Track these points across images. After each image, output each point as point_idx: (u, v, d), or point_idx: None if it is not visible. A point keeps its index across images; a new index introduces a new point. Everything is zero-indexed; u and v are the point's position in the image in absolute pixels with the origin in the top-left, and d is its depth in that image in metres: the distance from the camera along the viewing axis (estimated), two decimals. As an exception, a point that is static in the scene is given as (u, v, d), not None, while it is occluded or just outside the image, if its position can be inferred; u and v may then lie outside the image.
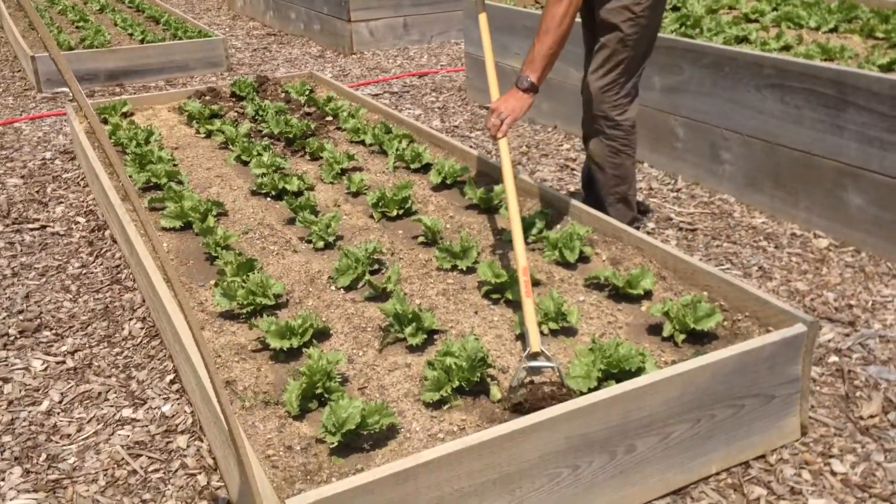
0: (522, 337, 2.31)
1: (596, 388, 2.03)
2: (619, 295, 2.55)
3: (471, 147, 4.24)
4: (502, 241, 2.94)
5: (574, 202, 3.10)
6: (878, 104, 3.12)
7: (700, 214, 3.73)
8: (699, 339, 2.30)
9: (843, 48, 4.02)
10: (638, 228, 3.25)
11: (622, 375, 2.07)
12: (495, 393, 2.11)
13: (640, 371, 2.08)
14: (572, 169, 4.31)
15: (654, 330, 2.37)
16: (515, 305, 2.49)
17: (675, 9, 5.48)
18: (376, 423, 1.93)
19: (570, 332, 2.37)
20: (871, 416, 2.35)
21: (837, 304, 2.93)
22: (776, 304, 2.28)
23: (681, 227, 3.60)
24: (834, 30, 4.69)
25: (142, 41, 6.98)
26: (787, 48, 4.23)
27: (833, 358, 2.63)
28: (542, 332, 2.33)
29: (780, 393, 2.17)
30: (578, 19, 2.92)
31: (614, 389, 1.96)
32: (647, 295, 2.55)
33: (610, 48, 2.99)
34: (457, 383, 2.08)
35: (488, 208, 3.20)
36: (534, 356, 2.15)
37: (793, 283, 3.09)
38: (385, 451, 1.93)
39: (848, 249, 3.31)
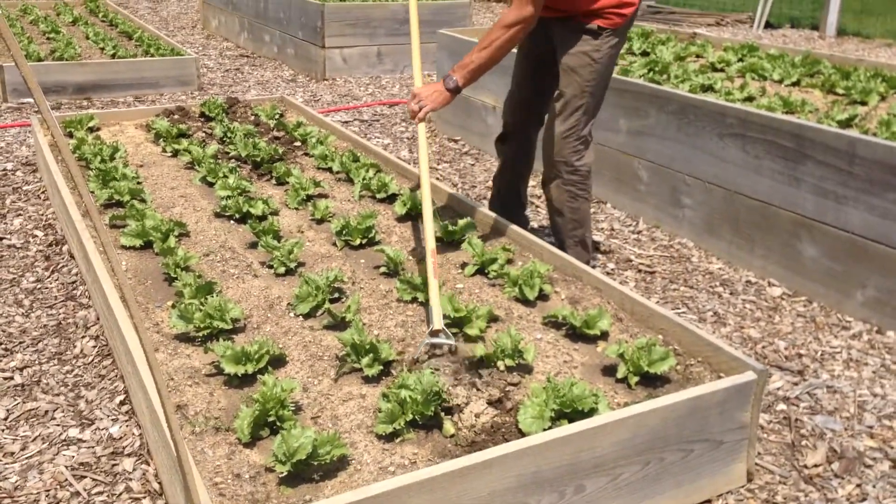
0: (482, 365, 2.32)
1: (549, 428, 2.05)
2: (576, 334, 2.58)
3: (437, 179, 4.27)
4: (464, 275, 2.96)
5: (536, 239, 3.13)
6: (836, 159, 3.21)
7: (659, 257, 3.79)
8: (652, 382, 2.33)
9: (805, 102, 4.13)
10: (594, 268, 3.28)
11: (575, 415, 2.09)
12: (448, 428, 2.12)
13: (592, 412, 2.10)
14: (536, 206, 4.36)
15: (609, 371, 2.40)
16: (475, 340, 2.50)
17: (644, 54, 5.59)
18: (328, 453, 1.92)
19: (525, 369, 2.38)
20: (816, 466, 2.39)
21: (788, 353, 2.99)
22: (728, 351, 2.32)
23: (640, 269, 3.65)
24: (796, 83, 4.82)
25: (113, 56, 6.94)
26: (750, 99, 4.34)
27: (781, 406, 2.67)
28: (497, 368, 2.34)
29: (729, 439, 2.20)
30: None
31: (567, 429, 1.98)
32: (604, 336, 2.58)
33: (569, 94, 3.05)
34: (410, 416, 2.08)
35: (451, 242, 3.22)
36: (435, 333, 2.39)
37: (746, 329, 3.15)
38: (335, 482, 1.92)
39: (800, 299, 3.38)
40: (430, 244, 2.58)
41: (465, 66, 2.91)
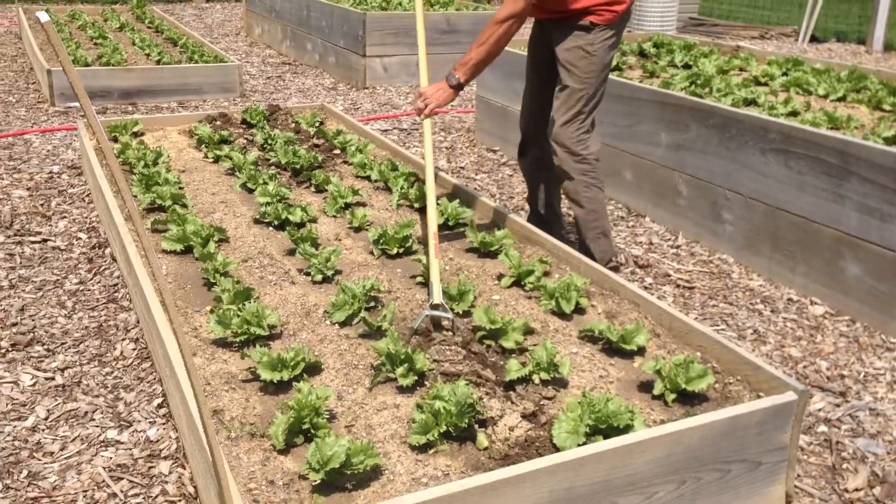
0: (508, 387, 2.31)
1: (583, 444, 2.03)
2: (613, 349, 2.55)
3: (475, 189, 4.27)
4: (500, 287, 2.95)
5: (573, 252, 3.11)
6: (881, 176, 3.15)
7: (698, 273, 3.74)
8: (689, 400, 2.30)
9: (850, 118, 4.07)
10: (632, 281, 3.32)
11: (610, 431, 2.07)
12: (482, 440, 2.11)
13: (628, 428, 2.08)
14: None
15: (645, 387, 2.37)
16: (508, 352, 2.49)
17: (686, 66, 5.54)
18: (361, 462, 1.93)
19: (561, 383, 2.37)
20: (857, 490, 2.33)
21: (830, 374, 2.93)
22: (768, 371, 2.28)
23: (678, 285, 3.61)
24: (842, 99, 4.75)
25: (158, 62, 7.06)
26: (794, 114, 4.28)
27: (822, 428, 2.62)
28: (533, 382, 2.33)
29: (768, 460, 2.17)
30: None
31: (601, 445, 1.96)
32: (641, 351, 2.55)
33: (569, 87, 3.21)
34: (444, 428, 2.07)
35: (488, 253, 3.21)
36: (435, 307, 2.58)
37: (787, 348, 3.10)
38: (367, 492, 1.92)
39: (843, 318, 3.32)
40: (433, 228, 2.83)
41: (465, 64, 3.11)
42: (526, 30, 3.55)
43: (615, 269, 3.42)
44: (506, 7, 3.00)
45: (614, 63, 5.41)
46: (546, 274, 3.04)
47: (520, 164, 3.74)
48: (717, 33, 10.78)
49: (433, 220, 2.87)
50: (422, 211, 3.66)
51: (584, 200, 3.32)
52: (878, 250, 3.19)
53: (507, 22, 3.00)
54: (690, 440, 2.03)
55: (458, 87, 3.13)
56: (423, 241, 3.17)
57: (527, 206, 3.95)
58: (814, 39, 10.79)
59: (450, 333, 2.54)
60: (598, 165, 3.33)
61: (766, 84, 5.11)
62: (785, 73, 5.31)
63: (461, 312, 2.70)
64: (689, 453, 2.03)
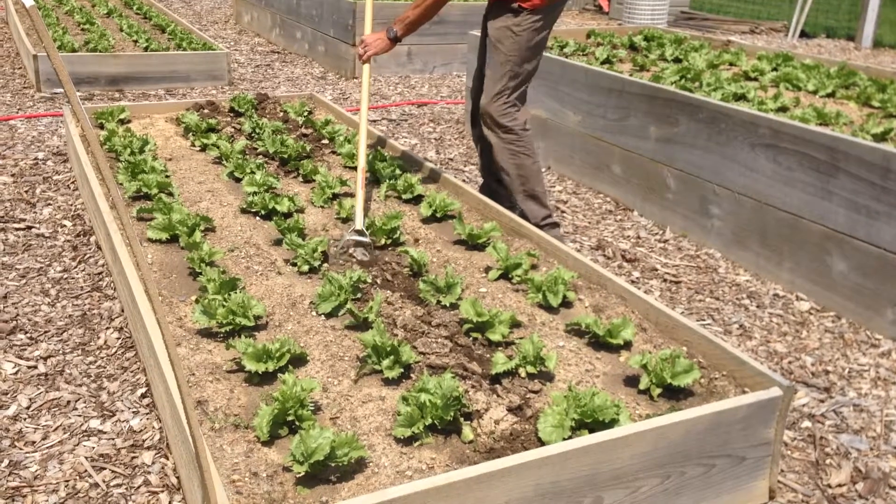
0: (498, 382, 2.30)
1: (569, 438, 2.03)
2: (599, 343, 2.55)
3: (464, 181, 4.25)
4: (487, 280, 2.95)
5: (561, 245, 3.11)
6: (869, 173, 3.16)
7: (685, 267, 3.75)
8: (675, 395, 2.30)
9: (839, 114, 4.07)
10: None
11: (596, 426, 2.07)
12: (467, 433, 2.10)
13: (613, 423, 2.08)
14: (562, 211, 4.33)
15: (631, 381, 2.37)
16: (495, 345, 2.49)
17: (676, 60, 5.54)
18: (345, 455, 1.92)
19: (547, 377, 2.36)
20: (840, 485, 2.34)
21: (814, 369, 2.94)
22: (754, 366, 2.28)
23: (665, 279, 3.62)
24: (831, 95, 4.76)
25: (146, 49, 7.00)
26: (783, 109, 4.28)
27: (806, 423, 2.63)
28: (519, 375, 2.33)
29: (752, 455, 2.17)
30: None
31: (587, 440, 1.95)
32: (627, 345, 2.55)
33: (495, 62, 3.45)
34: (429, 420, 2.07)
35: (475, 245, 3.20)
36: (358, 232, 3.02)
37: (772, 343, 3.10)
38: (352, 484, 1.91)
39: (829, 314, 3.33)
40: (361, 163, 3.26)
41: (403, 20, 3.49)
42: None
43: (554, 227, 3.64)
44: None
45: (604, 56, 5.40)
46: (533, 267, 3.03)
47: (472, 134, 3.91)
48: (707, 27, 10.78)
49: (362, 157, 3.28)
50: (410, 202, 3.65)
51: (509, 167, 3.55)
52: (864, 247, 3.20)
53: None
54: (675, 435, 2.03)
55: (394, 40, 3.50)
56: (445, 260, 3.26)
57: (479, 179, 4.15)
58: (803, 35, 10.81)
59: (365, 258, 2.96)
60: (526, 135, 3.54)
61: (755, 79, 5.12)
62: (775, 69, 5.31)
63: (448, 305, 2.70)
64: (674, 448, 2.03)
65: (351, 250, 3.02)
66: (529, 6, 3.36)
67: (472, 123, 3.84)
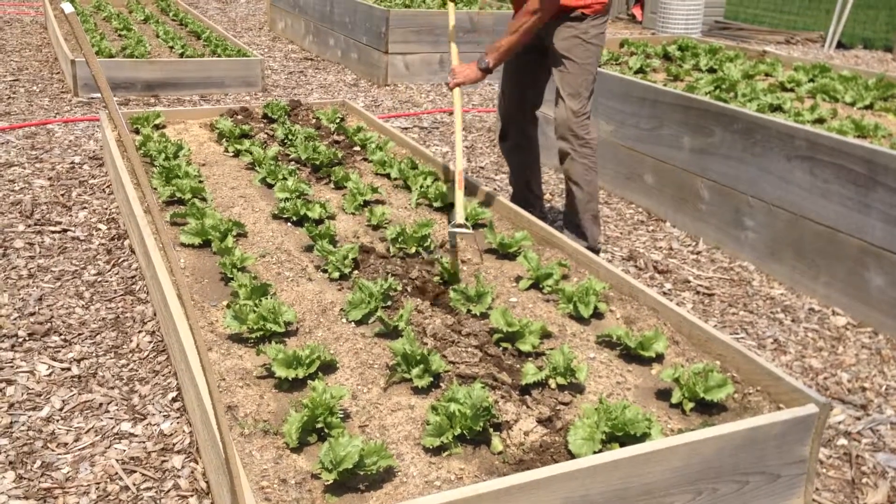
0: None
1: (599, 451, 2.00)
2: (631, 355, 2.53)
3: (495, 190, 4.24)
4: (518, 289, 2.93)
5: (593, 256, 3.08)
6: (908, 187, 3.10)
7: (719, 280, 3.70)
8: (708, 409, 2.27)
9: (878, 126, 4.01)
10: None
11: (626, 439, 2.04)
12: (497, 444, 2.09)
13: (645, 437, 2.05)
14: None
15: (663, 395, 2.34)
16: (525, 356, 2.47)
17: (711, 70, 5.49)
18: (374, 463, 1.91)
19: (577, 388, 2.34)
20: (878, 505, 2.30)
21: (851, 386, 2.89)
22: (789, 382, 2.24)
23: (698, 291, 3.57)
24: (869, 107, 4.68)
25: (181, 55, 7.08)
26: (820, 121, 4.22)
27: (842, 441, 2.58)
28: (549, 386, 2.31)
29: (787, 473, 2.13)
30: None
31: (617, 453, 1.93)
32: (659, 358, 2.52)
33: (569, 74, 3.39)
34: (459, 431, 2.06)
35: (506, 254, 3.19)
36: (459, 225, 2.97)
37: (807, 359, 3.05)
38: (380, 493, 1.90)
39: (866, 330, 3.27)
40: (459, 167, 3.16)
41: (496, 49, 3.30)
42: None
43: (596, 252, 3.60)
44: (533, 1, 3.19)
45: (638, 65, 5.36)
46: (564, 277, 3.01)
47: (501, 148, 3.92)
48: (742, 37, 10.68)
49: (459, 162, 3.18)
50: (441, 210, 3.64)
51: (584, 183, 3.49)
52: (903, 262, 3.14)
53: (537, 13, 3.19)
54: (708, 450, 2.00)
55: (486, 70, 3.32)
56: (474, 270, 3.28)
57: (509, 188, 4.14)
58: (840, 46, 10.67)
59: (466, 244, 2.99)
60: (596, 150, 3.51)
61: (792, 90, 5.05)
62: (811, 80, 5.24)
63: (478, 314, 2.68)
64: (706, 464, 2.00)
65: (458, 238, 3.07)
66: (592, 12, 3.34)
67: (502, 138, 3.83)
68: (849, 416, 2.71)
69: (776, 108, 4.40)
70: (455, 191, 3.16)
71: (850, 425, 2.66)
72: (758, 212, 3.80)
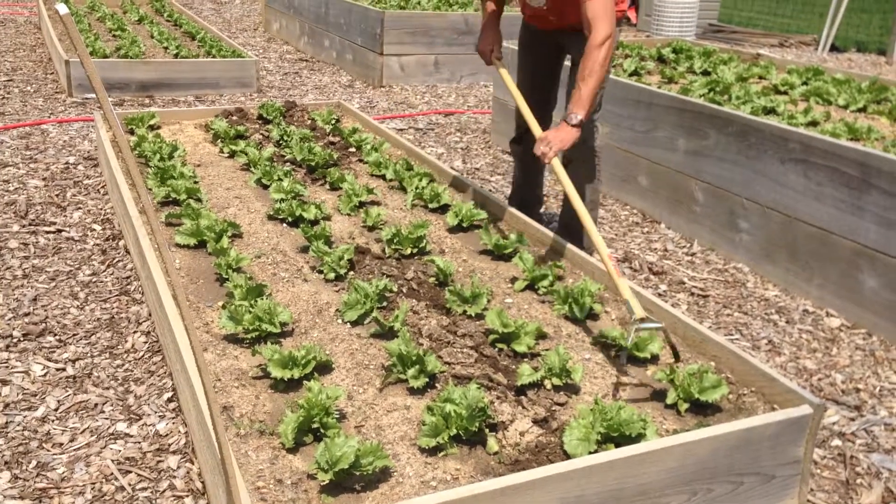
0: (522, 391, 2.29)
1: (595, 452, 2.01)
2: (626, 356, 2.53)
3: (490, 191, 4.25)
4: (513, 290, 2.94)
5: (588, 257, 3.09)
6: (901, 189, 3.12)
7: (713, 281, 3.71)
8: (703, 410, 2.28)
9: (871, 129, 4.02)
10: (645, 289, 3.36)
11: (622, 440, 2.05)
12: (492, 445, 2.09)
13: (640, 437, 2.06)
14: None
15: (658, 396, 2.35)
16: (521, 357, 2.47)
17: (705, 73, 5.51)
18: (370, 464, 1.91)
19: (573, 389, 2.35)
20: (871, 506, 2.31)
21: (845, 387, 2.90)
22: (784, 383, 2.25)
23: (693, 293, 3.59)
24: (862, 110, 4.70)
25: (176, 55, 7.07)
26: (814, 124, 4.24)
27: (836, 442, 2.59)
28: (545, 387, 2.31)
29: (781, 473, 2.14)
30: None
31: (613, 454, 1.94)
32: (654, 359, 2.53)
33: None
34: (454, 431, 2.06)
35: (501, 255, 3.19)
36: (642, 320, 2.44)
37: (801, 360, 3.07)
38: (376, 493, 1.91)
39: (860, 331, 3.28)
40: (604, 251, 2.71)
41: (581, 101, 3.01)
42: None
43: (591, 254, 3.54)
44: (601, 30, 2.98)
45: (632, 68, 5.38)
46: (560, 278, 3.02)
47: (513, 149, 3.88)
48: (736, 40, 10.72)
49: (602, 246, 2.73)
50: (436, 211, 3.65)
51: (588, 190, 3.50)
52: (896, 263, 3.16)
53: (605, 44, 2.98)
54: (703, 451, 2.00)
55: (580, 125, 3.04)
56: (471, 269, 3.16)
57: (504, 190, 4.14)
58: (834, 49, 10.72)
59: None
60: (601, 159, 3.54)
61: (785, 93, 5.07)
62: (805, 83, 5.26)
63: (474, 315, 2.69)
64: (701, 464, 2.01)
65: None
66: (616, 18, 3.22)
67: (517, 140, 3.79)
68: (843, 416, 2.73)
69: (770, 111, 4.41)
70: (614, 281, 2.65)
71: (844, 426, 2.67)
72: (752, 214, 3.81)
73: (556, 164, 3.02)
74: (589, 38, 2.99)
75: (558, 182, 4.07)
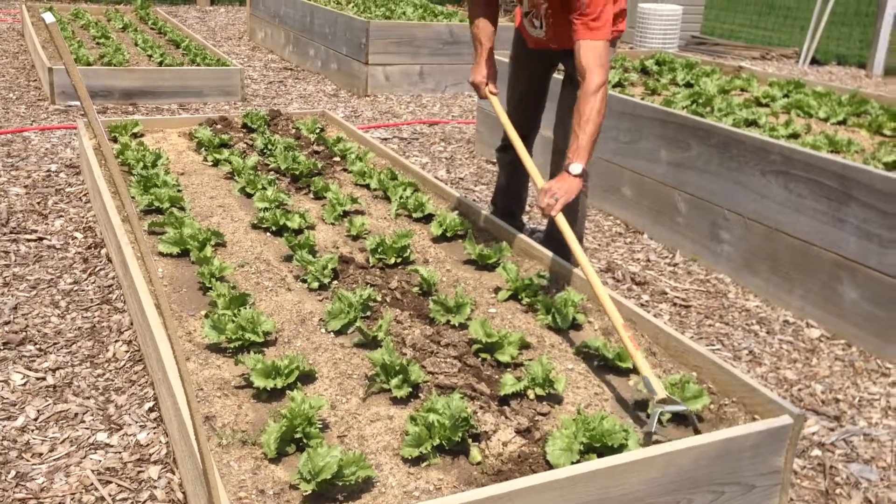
0: (506, 401, 2.29)
1: (577, 462, 2.02)
2: (609, 366, 2.54)
3: (474, 201, 4.26)
4: (497, 300, 2.94)
5: (571, 267, 3.10)
6: (881, 201, 3.15)
7: (695, 292, 3.74)
8: (684, 420, 2.29)
9: (851, 142, 4.07)
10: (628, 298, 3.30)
11: (604, 450, 2.06)
12: (475, 455, 2.09)
13: (622, 447, 2.06)
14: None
15: (641, 405, 2.36)
16: (504, 367, 2.48)
17: (687, 85, 5.56)
18: (353, 474, 1.91)
19: (555, 399, 2.35)
20: (851, 516, 2.32)
21: (825, 397, 2.92)
22: (764, 393, 2.27)
23: (675, 303, 3.61)
24: (843, 122, 4.75)
25: (160, 63, 7.05)
26: (794, 136, 4.28)
27: (816, 452, 2.61)
28: (528, 397, 2.32)
29: (761, 483, 2.15)
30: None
31: (595, 464, 1.94)
32: (636, 369, 2.53)
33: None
34: (437, 441, 2.06)
35: (485, 265, 3.20)
36: (663, 402, 2.23)
37: (782, 370, 3.09)
38: (359, 503, 1.90)
39: (839, 342, 3.31)
40: (618, 319, 2.48)
41: (578, 149, 2.92)
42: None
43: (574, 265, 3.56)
44: (596, 77, 2.92)
45: (616, 79, 5.42)
46: (543, 288, 3.03)
47: (500, 157, 3.86)
48: (718, 52, 10.81)
49: (614, 313, 2.51)
50: (420, 221, 3.65)
51: (579, 207, 3.45)
52: (876, 275, 3.19)
53: (601, 89, 2.93)
54: (685, 461, 2.02)
55: (583, 174, 2.94)
56: (455, 279, 3.15)
57: (488, 199, 4.07)
58: (814, 62, 10.83)
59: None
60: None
61: (767, 105, 5.12)
62: (786, 95, 5.32)
63: (457, 325, 2.69)
64: (683, 474, 2.02)
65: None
66: (613, 38, 3.24)
67: (503, 150, 3.76)
68: (822, 427, 2.75)
69: (751, 123, 4.45)
70: (631, 353, 2.41)
71: (823, 436, 2.69)
72: (734, 225, 3.84)
73: (561, 218, 2.87)
74: (583, 85, 2.93)
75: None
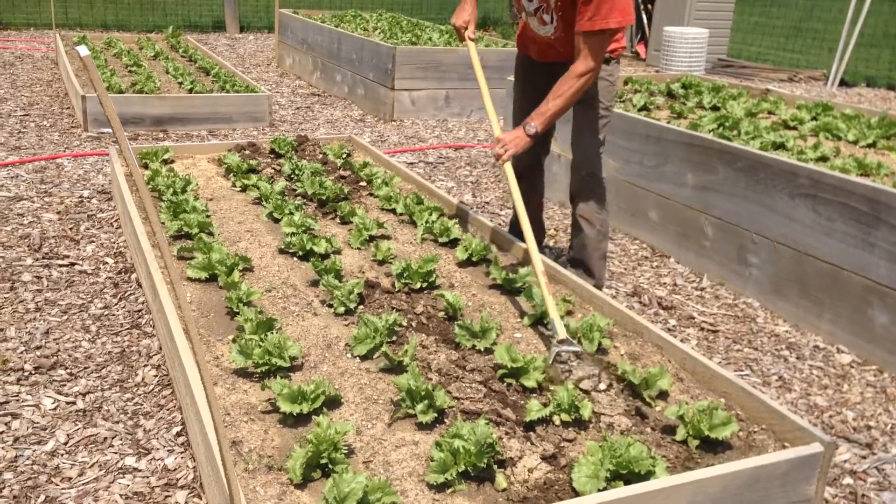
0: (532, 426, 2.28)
1: (604, 489, 2.00)
2: (635, 392, 2.52)
3: (500, 225, 4.27)
4: (522, 325, 2.94)
5: (597, 292, 3.09)
6: (911, 225, 3.12)
7: (723, 316, 3.71)
8: (713, 447, 2.26)
9: (880, 165, 4.03)
10: (655, 323, 3.36)
11: (631, 477, 2.04)
12: (501, 481, 2.08)
13: (649, 475, 2.05)
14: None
15: (668, 431, 2.34)
16: (529, 392, 2.47)
17: (714, 108, 5.54)
18: (378, 500, 1.91)
19: (582, 425, 2.34)
20: (884, 546, 2.28)
21: (856, 424, 2.88)
22: (794, 421, 2.24)
23: (702, 328, 3.58)
24: (872, 145, 4.71)
25: (190, 90, 7.16)
26: (823, 159, 4.25)
27: (847, 480, 2.57)
28: (554, 423, 2.31)
29: (792, 512, 2.12)
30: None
31: (622, 491, 1.93)
32: (663, 395, 2.52)
33: (595, 114, 3.42)
34: (463, 467, 2.06)
35: (511, 290, 3.20)
36: (562, 342, 2.63)
37: (812, 397, 3.05)
38: (383, 530, 1.90)
39: (871, 368, 3.27)
40: (540, 267, 2.91)
41: (542, 114, 3.18)
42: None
43: (600, 289, 3.59)
44: (584, 63, 3.09)
45: (641, 103, 5.42)
46: (569, 313, 3.02)
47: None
48: (745, 75, 10.77)
49: (537, 260, 2.95)
50: (446, 245, 3.66)
51: (596, 222, 3.52)
52: (907, 299, 3.14)
53: (585, 76, 3.09)
54: (713, 489, 1.99)
55: (534, 136, 3.19)
56: (480, 304, 3.22)
57: (551, 242, 4.03)
58: (843, 84, 10.75)
59: (575, 363, 2.59)
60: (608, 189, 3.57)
61: (795, 128, 5.09)
62: (814, 118, 5.28)
63: (483, 350, 2.69)
64: (711, 502, 2.00)
65: (570, 363, 2.60)
66: (617, 55, 3.41)
67: (518, 177, 3.82)
68: (854, 454, 2.70)
69: (779, 146, 4.43)
70: (544, 297, 2.83)
71: (855, 464, 2.65)
72: (762, 249, 3.81)
73: (508, 168, 3.19)
74: (572, 66, 3.10)
75: (568, 215, 4.08)
